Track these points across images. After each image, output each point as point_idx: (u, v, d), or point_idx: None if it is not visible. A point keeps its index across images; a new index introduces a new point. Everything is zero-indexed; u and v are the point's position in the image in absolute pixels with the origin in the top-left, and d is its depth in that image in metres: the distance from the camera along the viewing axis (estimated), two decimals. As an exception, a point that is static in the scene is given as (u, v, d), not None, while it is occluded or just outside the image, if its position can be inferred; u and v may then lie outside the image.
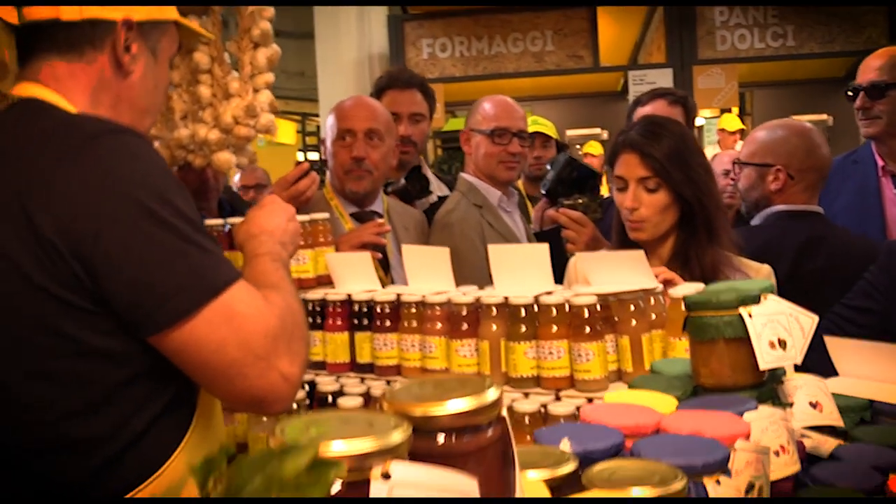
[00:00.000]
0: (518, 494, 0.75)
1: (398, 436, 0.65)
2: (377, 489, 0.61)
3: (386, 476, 0.62)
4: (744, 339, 1.23)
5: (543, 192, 3.12)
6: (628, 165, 2.16)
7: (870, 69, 2.92)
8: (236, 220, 1.89)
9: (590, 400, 1.72)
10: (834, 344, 1.69)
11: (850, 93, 2.98)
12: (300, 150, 12.46)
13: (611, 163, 2.25)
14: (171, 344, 1.17)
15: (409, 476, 0.63)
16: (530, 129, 3.95)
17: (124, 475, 1.21)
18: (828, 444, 1.40)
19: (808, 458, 1.33)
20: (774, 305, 1.25)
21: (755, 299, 1.24)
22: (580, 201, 2.72)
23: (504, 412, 0.75)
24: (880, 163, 3.00)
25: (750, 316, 1.20)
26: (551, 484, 0.91)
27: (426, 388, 0.76)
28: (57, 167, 1.16)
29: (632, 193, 2.15)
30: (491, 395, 0.73)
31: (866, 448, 1.38)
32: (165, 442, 1.24)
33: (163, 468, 1.22)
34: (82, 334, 1.17)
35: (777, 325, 1.22)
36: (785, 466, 1.15)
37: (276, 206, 1.60)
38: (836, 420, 1.34)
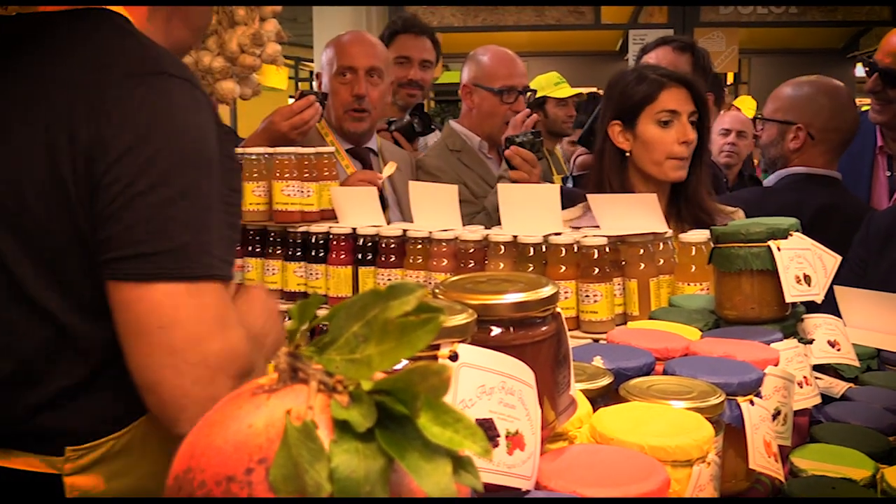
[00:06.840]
0: (572, 393, 0.74)
1: (465, 318, 0.64)
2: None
3: (453, 357, 0.60)
4: (770, 273, 1.23)
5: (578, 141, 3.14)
6: (679, 99, 2.04)
7: (891, 48, 2.56)
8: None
9: (595, 342, 1.72)
10: (842, 293, 1.70)
11: (865, 67, 2.66)
12: (291, 96, 12.32)
13: (648, 99, 2.06)
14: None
15: (474, 358, 0.61)
16: (564, 93, 4.09)
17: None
18: (839, 385, 1.41)
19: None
20: (800, 241, 1.25)
21: (784, 234, 1.23)
22: (526, 139, 2.39)
23: (559, 309, 0.73)
24: (879, 142, 2.83)
25: (779, 249, 1.20)
26: (588, 395, 0.90)
27: (480, 283, 0.74)
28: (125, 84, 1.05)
29: (687, 127, 2.02)
30: (547, 290, 0.72)
31: (877, 391, 1.39)
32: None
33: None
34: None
35: (803, 261, 1.22)
36: (806, 398, 1.16)
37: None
38: (853, 360, 1.35)
